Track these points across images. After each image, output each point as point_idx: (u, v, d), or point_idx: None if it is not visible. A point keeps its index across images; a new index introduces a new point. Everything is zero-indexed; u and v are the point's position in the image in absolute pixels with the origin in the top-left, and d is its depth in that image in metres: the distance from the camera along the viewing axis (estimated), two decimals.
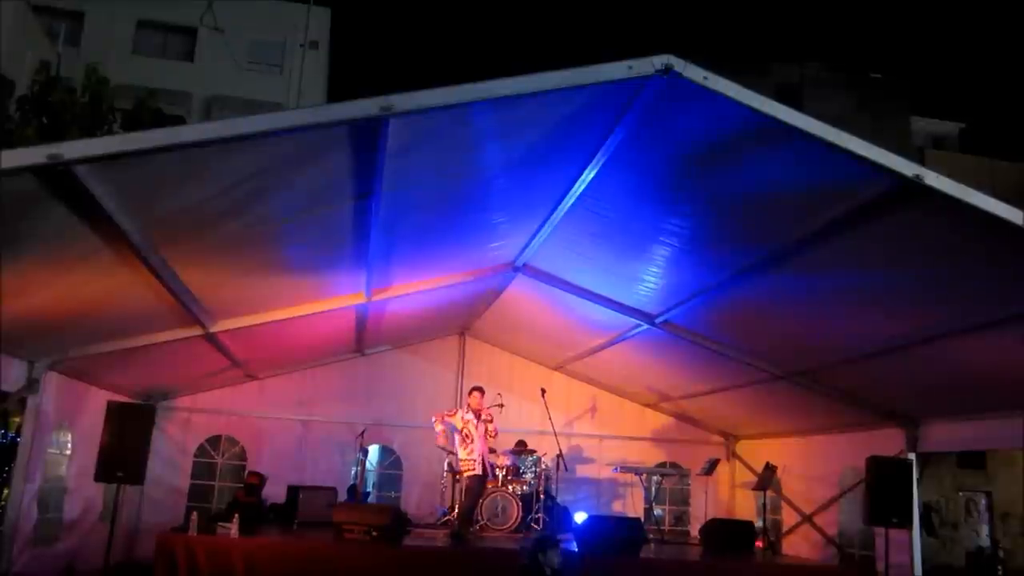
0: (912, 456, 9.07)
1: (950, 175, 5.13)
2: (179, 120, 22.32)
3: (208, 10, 17.92)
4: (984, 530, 26.36)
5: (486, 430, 10.11)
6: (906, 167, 5.05)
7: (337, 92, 28.13)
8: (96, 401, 8.97)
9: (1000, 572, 24.09)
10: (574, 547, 9.11)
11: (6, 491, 9.01)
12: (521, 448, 11.79)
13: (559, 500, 11.86)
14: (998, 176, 28.25)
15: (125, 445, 8.09)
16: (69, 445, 9.01)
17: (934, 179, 5.05)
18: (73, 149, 4.09)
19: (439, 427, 10.10)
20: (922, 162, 5.36)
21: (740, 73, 5.14)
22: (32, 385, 7.73)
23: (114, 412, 8.21)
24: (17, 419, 10.52)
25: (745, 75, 5.15)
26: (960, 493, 26.27)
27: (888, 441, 9.28)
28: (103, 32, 24.95)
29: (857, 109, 28.52)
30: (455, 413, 10.21)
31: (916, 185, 5.06)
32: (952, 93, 56.27)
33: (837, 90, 29.47)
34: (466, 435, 9.87)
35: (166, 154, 4.24)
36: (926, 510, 22.03)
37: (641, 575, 8.89)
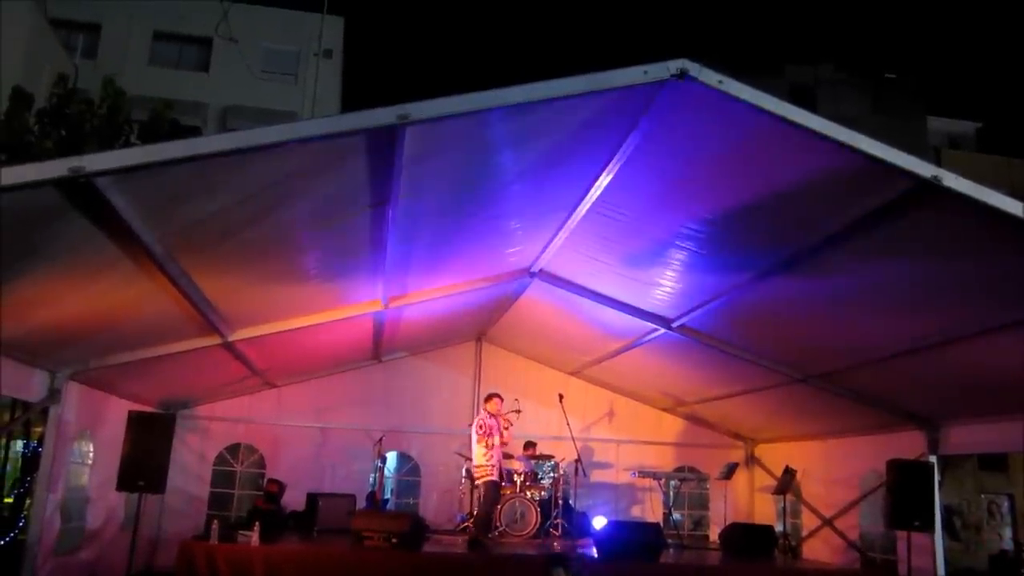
0: (933, 459, 9.01)
1: (967, 175, 5.11)
2: (195, 130, 22.47)
3: (223, 20, 18.03)
4: (1007, 532, 26.12)
5: (502, 436, 10.10)
6: (924, 168, 5.03)
7: (351, 100, 28.32)
8: (117, 411, 9.03)
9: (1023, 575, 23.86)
10: (594, 553, 9.11)
11: (29, 501, 9.09)
12: (531, 451, 11.76)
13: (577, 506, 11.85)
14: (1016, 175, 28.04)
15: (146, 454, 8.14)
16: (91, 455, 9.08)
17: (952, 180, 5.03)
18: (94, 162, 4.13)
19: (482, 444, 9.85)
20: (938, 162, 5.34)
21: (754, 75, 5.16)
22: (53, 395, 7.79)
23: (135, 421, 8.27)
24: (39, 429, 10.60)
25: (759, 77, 5.15)
26: (982, 496, 26.06)
27: (909, 444, 9.22)
28: (119, 44, 25.18)
29: (872, 110, 28.45)
30: (492, 425, 9.94)
31: (934, 186, 5.03)
32: (968, 92, 55.93)
33: (851, 91, 29.40)
34: (489, 442, 9.82)
35: (186, 165, 4.29)
36: (948, 513, 21.87)
37: None
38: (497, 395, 10.29)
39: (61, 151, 13.69)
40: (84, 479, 9.05)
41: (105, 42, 25.39)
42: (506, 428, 10.21)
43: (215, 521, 8.72)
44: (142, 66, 25.12)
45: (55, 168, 4.07)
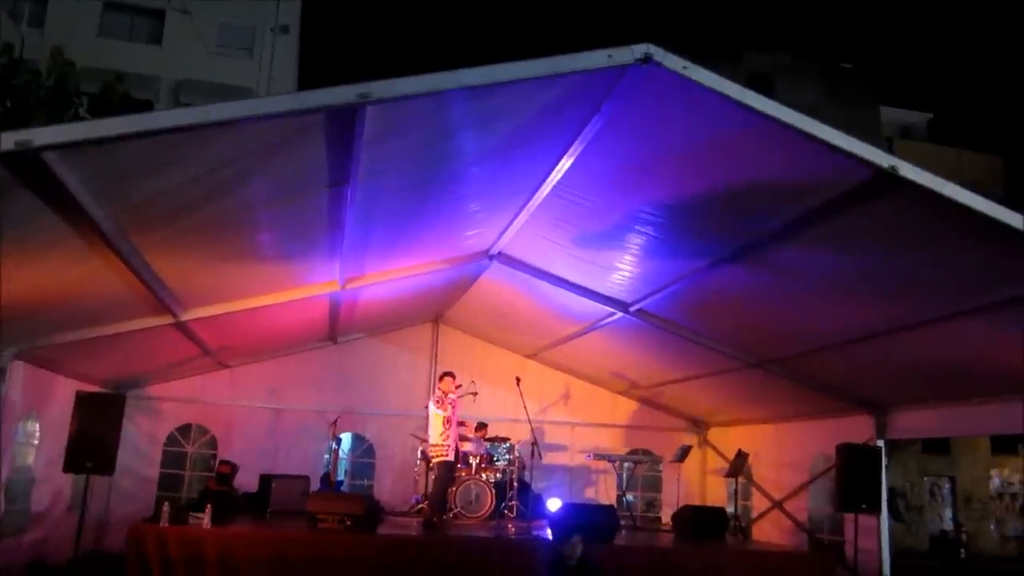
0: (881, 443, 9.22)
1: (919, 165, 5.19)
2: (147, 104, 21.95)
3: None
4: (948, 514, 26.88)
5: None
6: (882, 158, 5.10)
7: (308, 77, 27.86)
8: (64, 390, 8.84)
9: (963, 555, 24.62)
10: (548, 534, 9.17)
11: None
12: (483, 432, 11.78)
13: (532, 487, 11.90)
14: (966, 165, 28.66)
15: (94, 435, 7.99)
16: (36, 435, 8.87)
17: (909, 170, 5.11)
18: (43, 135, 3.98)
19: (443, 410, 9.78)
20: (891, 152, 5.41)
21: (712, 62, 5.15)
22: None
23: (83, 402, 8.11)
24: None
25: (717, 64, 5.15)
26: (925, 478, 26.76)
27: (857, 428, 9.42)
28: (68, 14, 24.39)
29: (828, 99, 28.81)
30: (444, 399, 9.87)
31: (891, 176, 5.11)
32: (920, 83, 56.98)
33: (808, 79, 29.73)
34: (447, 419, 9.77)
35: (139, 140, 4.16)
36: (892, 495, 22.45)
37: (615, 561, 8.92)
38: (451, 374, 10.20)
39: (6, 123, 13.28)
40: (29, 460, 8.85)
41: (53, 11, 24.56)
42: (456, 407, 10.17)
43: (165, 503, 8.57)
44: (92, 37, 24.36)
45: (0, 141, 3.93)
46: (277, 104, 4.51)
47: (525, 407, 11.30)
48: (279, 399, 12.09)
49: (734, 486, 11.65)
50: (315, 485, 11.00)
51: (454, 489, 10.59)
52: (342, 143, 5.17)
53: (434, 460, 9.86)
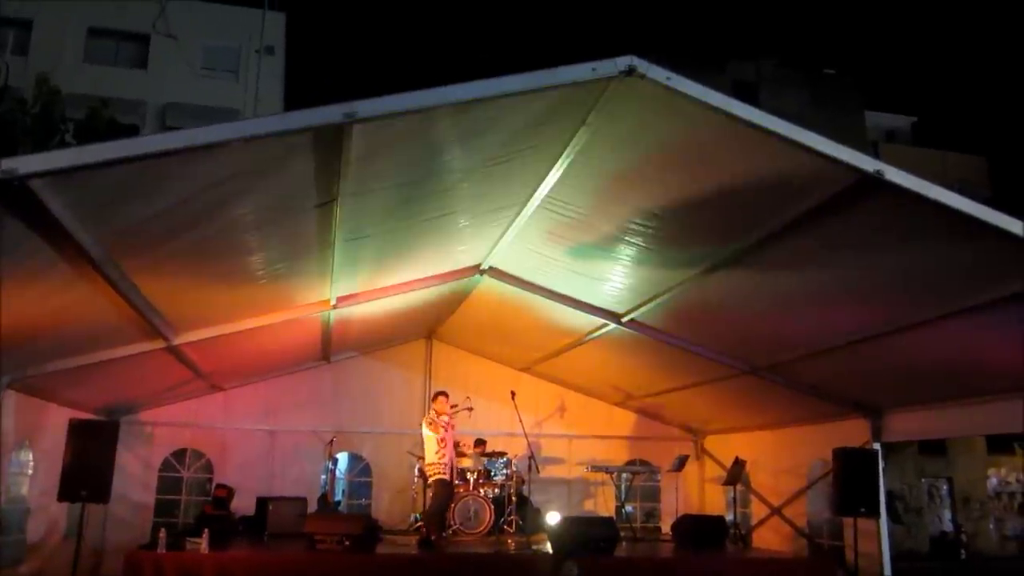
0: (877, 446, 9.22)
1: (904, 168, 5.23)
2: (133, 129, 21.91)
3: (160, 16, 17.62)
4: (947, 515, 26.87)
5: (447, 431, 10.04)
6: (867, 163, 5.14)
7: (294, 98, 27.86)
8: (57, 418, 8.77)
9: (963, 556, 24.63)
10: (548, 548, 9.13)
11: None
12: (481, 448, 11.76)
13: (531, 501, 11.85)
14: (951, 167, 28.84)
15: (88, 463, 7.92)
16: (30, 464, 8.80)
17: (894, 174, 5.15)
18: (29, 163, 3.97)
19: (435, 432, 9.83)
20: (876, 156, 5.46)
21: (697, 70, 5.20)
22: None
23: (76, 429, 8.04)
24: None
25: (702, 72, 5.20)
26: (923, 480, 26.76)
27: (853, 432, 9.42)
28: (53, 40, 24.37)
29: (813, 105, 28.99)
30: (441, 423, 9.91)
31: (877, 181, 5.14)
32: (904, 87, 57.42)
33: (793, 86, 29.92)
34: (441, 439, 9.77)
35: (125, 166, 4.15)
36: (890, 498, 22.48)
37: (616, 573, 8.90)
38: (444, 393, 10.21)
39: None
40: (23, 490, 8.77)
41: (38, 38, 24.55)
42: (451, 426, 10.17)
43: (162, 529, 8.50)
44: (77, 63, 24.34)
45: None
46: (263, 126, 4.51)
47: (521, 421, 11.26)
48: (274, 420, 12.02)
49: (732, 494, 11.63)
50: (312, 506, 10.94)
51: (453, 505, 10.54)
52: (330, 162, 5.17)
53: (431, 479, 9.85)
